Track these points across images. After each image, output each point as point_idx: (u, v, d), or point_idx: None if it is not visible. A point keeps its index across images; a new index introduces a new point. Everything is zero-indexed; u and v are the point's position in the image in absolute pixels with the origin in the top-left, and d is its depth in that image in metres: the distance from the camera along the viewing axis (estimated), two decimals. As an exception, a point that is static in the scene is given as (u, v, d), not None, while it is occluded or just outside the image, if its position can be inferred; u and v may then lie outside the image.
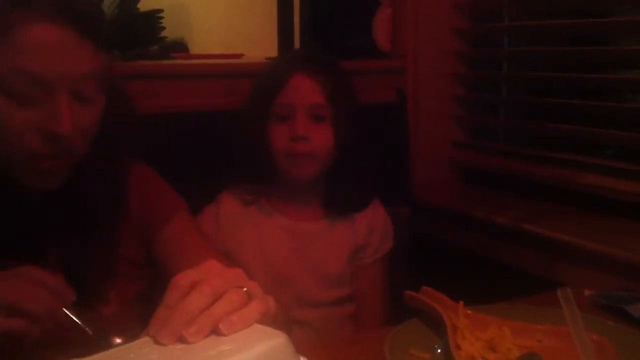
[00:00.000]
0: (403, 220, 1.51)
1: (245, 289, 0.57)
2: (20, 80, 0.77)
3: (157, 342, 0.52)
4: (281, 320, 0.65)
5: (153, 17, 2.57)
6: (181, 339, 0.52)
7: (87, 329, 0.74)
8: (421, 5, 1.70)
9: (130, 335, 0.59)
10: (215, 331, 0.53)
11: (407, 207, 1.59)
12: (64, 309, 0.74)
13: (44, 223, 0.86)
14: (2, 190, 0.83)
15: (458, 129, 1.81)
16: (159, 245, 0.98)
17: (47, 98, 0.79)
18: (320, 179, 1.30)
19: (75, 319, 0.74)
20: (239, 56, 2.10)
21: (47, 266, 0.80)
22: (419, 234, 1.58)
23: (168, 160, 1.13)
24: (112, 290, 0.91)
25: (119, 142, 0.92)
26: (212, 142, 1.34)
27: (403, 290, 0.97)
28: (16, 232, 0.83)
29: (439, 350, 0.86)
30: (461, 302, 0.91)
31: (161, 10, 2.60)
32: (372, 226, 1.34)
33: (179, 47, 2.61)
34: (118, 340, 0.73)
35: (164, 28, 2.61)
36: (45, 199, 0.86)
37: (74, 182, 0.88)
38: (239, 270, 0.61)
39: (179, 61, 1.90)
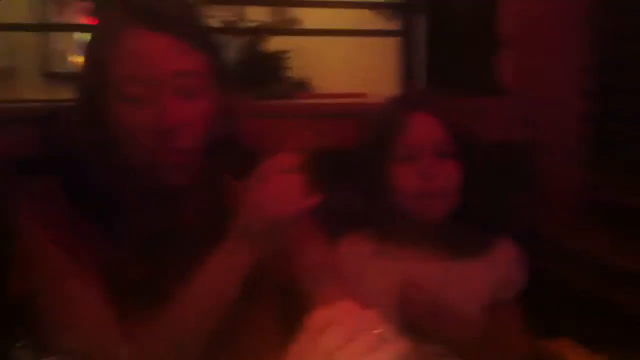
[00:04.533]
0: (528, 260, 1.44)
1: (379, 331, 0.57)
2: (130, 84, 0.87)
3: None
4: None
5: (278, 58, 2.68)
6: None
7: None
8: (548, 43, 1.65)
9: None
10: None
11: (533, 247, 1.52)
12: None
13: (169, 218, 0.93)
14: (135, 186, 0.91)
15: (586, 168, 1.72)
16: (288, 274, 1.00)
17: (154, 97, 0.87)
18: (446, 219, 1.27)
19: None
20: (363, 95, 2.13)
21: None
22: (548, 277, 1.50)
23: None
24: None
25: (234, 155, 0.99)
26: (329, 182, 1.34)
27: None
28: (147, 228, 0.91)
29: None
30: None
31: (287, 51, 2.71)
32: (504, 266, 1.30)
33: (303, 86, 2.69)
34: None
35: (289, 68, 2.72)
36: (171, 196, 0.93)
37: (197, 183, 0.94)
38: (374, 312, 0.61)
39: (304, 100, 1.95)
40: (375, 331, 0.57)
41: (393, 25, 1.87)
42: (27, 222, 0.91)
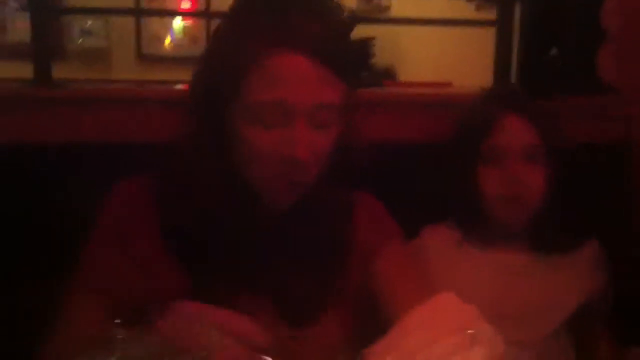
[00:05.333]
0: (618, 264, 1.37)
1: (471, 331, 0.56)
2: (267, 109, 0.82)
3: None
4: None
5: (365, 45, 2.66)
6: None
7: None
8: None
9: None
10: None
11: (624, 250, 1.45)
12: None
13: (273, 240, 0.89)
14: (243, 204, 0.89)
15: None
16: (374, 273, 0.97)
17: (288, 123, 0.82)
18: (533, 219, 1.23)
19: None
20: (448, 85, 2.09)
21: (263, 285, 0.86)
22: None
23: (369, 190, 1.12)
24: (326, 315, 0.92)
25: (349, 169, 0.94)
26: (412, 174, 1.33)
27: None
28: (249, 247, 0.88)
29: None
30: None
31: (373, 38, 2.68)
32: (591, 269, 1.25)
33: (389, 74, 2.66)
34: None
35: (374, 55, 2.70)
36: (277, 217, 0.90)
37: (304, 205, 0.91)
38: (471, 308, 0.59)
39: (389, 89, 1.93)
40: (469, 331, 0.55)
41: (485, 14, 1.82)
42: (104, 217, 0.91)
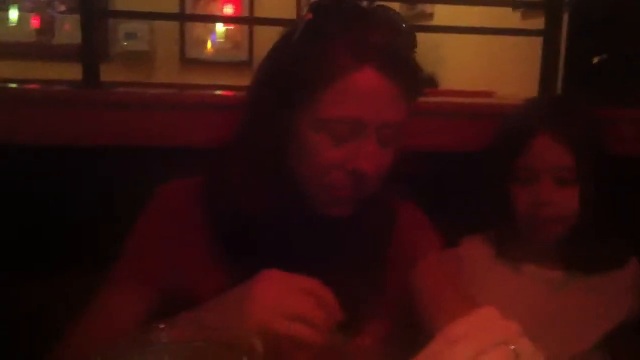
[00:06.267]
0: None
1: (513, 347, 0.55)
2: (341, 122, 0.82)
3: None
4: None
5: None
6: None
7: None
8: None
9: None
10: None
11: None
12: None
13: (323, 247, 0.89)
14: (297, 211, 0.89)
15: None
16: (415, 284, 0.96)
17: (359, 139, 0.83)
18: (570, 236, 1.20)
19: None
20: (490, 94, 2.07)
21: None
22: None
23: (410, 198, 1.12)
24: (368, 325, 0.92)
25: (397, 178, 0.94)
26: (452, 184, 1.30)
27: None
28: (299, 252, 0.87)
29: None
30: None
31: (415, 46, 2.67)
32: (630, 288, 1.22)
33: (430, 81, 2.64)
34: None
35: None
36: (331, 226, 0.90)
37: (358, 213, 0.91)
38: (514, 325, 0.58)
39: (430, 98, 1.91)
40: (512, 346, 0.54)
41: (531, 23, 1.79)
42: (150, 215, 0.92)
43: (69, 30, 3.73)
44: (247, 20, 4.02)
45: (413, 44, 0.86)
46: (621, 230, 1.22)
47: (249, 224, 0.88)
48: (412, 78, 0.85)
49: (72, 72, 1.50)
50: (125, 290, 0.87)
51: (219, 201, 0.90)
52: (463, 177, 1.29)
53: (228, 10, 3.93)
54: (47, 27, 3.81)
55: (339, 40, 0.82)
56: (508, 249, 1.24)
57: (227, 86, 1.75)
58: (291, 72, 0.85)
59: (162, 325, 0.59)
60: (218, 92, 1.52)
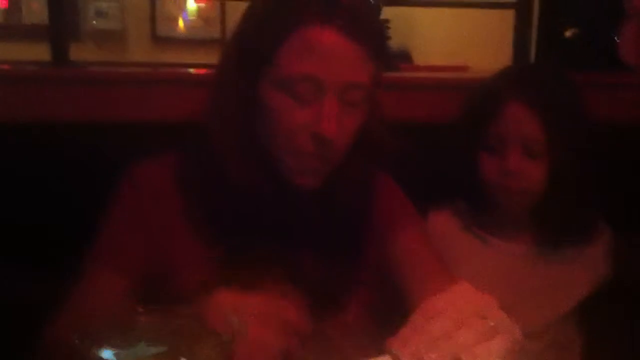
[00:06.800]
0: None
1: (492, 321, 0.56)
2: (299, 80, 0.81)
3: None
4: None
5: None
6: None
7: None
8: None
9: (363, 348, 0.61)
10: None
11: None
12: None
13: (298, 221, 0.89)
14: (269, 181, 0.88)
15: None
16: (393, 255, 0.97)
17: (318, 99, 0.82)
18: (536, 205, 1.21)
19: None
20: (464, 68, 2.07)
21: (287, 268, 0.84)
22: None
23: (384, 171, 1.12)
24: (352, 298, 0.92)
25: (372, 150, 0.93)
26: (425, 157, 1.31)
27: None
28: (271, 225, 0.87)
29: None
30: None
31: (387, 20, 2.66)
32: (601, 261, 1.24)
33: (403, 56, 2.64)
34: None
35: (389, 37, 2.67)
36: (303, 197, 0.90)
37: (329, 185, 0.91)
38: (490, 299, 0.59)
39: (405, 73, 1.92)
40: (490, 321, 0.56)
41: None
42: (123, 196, 0.91)
43: (37, 9, 3.64)
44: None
45: (375, 5, 0.86)
46: (597, 196, 1.22)
47: (222, 197, 0.87)
48: (375, 40, 0.84)
49: (42, 52, 1.47)
50: (105, 273, 0.86)
51: (190, 175, 0.90)
52: (437, 150, 1.29)
53: (199, -14, 3.88)
54: (14, 7, 3.72)
55: None
56: (476, 221, 1.23)
57: (199, 64, 1.73)
58: (252, 32, 0.85)
59: (140, 309, 0.58)
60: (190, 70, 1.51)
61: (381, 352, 0.56)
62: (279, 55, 0.82)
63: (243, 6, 0.93)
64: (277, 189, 0.88)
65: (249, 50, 0.85)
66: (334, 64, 0.81)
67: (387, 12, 2.71)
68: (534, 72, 1.27)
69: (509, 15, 1.58)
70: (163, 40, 3.84)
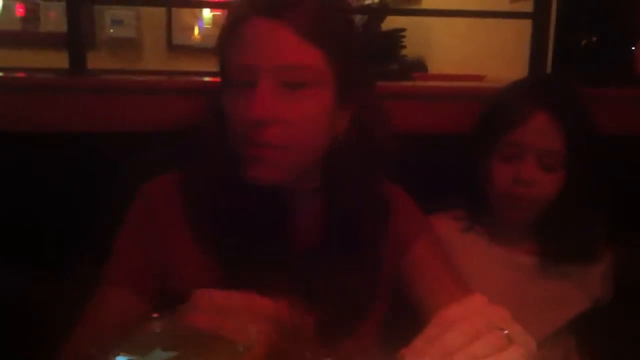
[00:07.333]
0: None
1: (506, 331, 0.56)
2: (236, 70, 0.84)
3: None
4: None
5: (395, 36, 2.64)
6: None
7: None
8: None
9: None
10: None
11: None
12: None
13: (311, 234, 0.90)
14: (225, 181, 0.88)
15: None
16: (407, 268, 0.96)
17: (254, 85, 0.82)
18: (542, 217, 1.19)
19: None
20: (481, 78, 2.06)
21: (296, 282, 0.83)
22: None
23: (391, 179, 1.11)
24: (367, 312, 0.91)
25: (380, 160, 0.93)
26: (440, 167, 1.30)
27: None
28: (277, 239, 0.87)
29: None
30: None
31: (403, 29, 2.66)
32: (601, 282, 1.23)
33: (418, 66, 2.64)
34: None
35: (404, 47, 2.67)
36: (264, 196, 0.87)
37: (330, 186, 0.91)
38: (504, 311, 0.59)
39: (419, 83, 1.91)
40: (505, 331, 0.55)
41: (520, 6, 1.78)
42: (135, 215, 0.92)
43: (54, 17, 3.68)
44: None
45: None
46: (601, 217, 1.20)
47: (217, 211, 0.88)
48: (310, 23, 0.83)
49: (59, 60, 1.48)
50: (120, 291, 0.87)
51: (190, 190, 0.91)
52: (450, 161, 1.28)
53: (215, -5, 3.90)
54: (32, 15, 3.76)
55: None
56: (478, 227, 1.23)
57: (215, 72, 1.74)
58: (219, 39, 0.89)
59: (155, 315, 0.58)
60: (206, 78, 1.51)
61: (394, 364, 0.56)
62: (225, 54, 0.86)
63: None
64: (234, 187, 0.87)
65: (219, 59, 0.89)
66: (264, 49, 0.82)
67: (403, 22, 2.72)
68: (558, 83, 1.26)
69: (525, 25, 1.58)
70: (179, 48, 3.87)
